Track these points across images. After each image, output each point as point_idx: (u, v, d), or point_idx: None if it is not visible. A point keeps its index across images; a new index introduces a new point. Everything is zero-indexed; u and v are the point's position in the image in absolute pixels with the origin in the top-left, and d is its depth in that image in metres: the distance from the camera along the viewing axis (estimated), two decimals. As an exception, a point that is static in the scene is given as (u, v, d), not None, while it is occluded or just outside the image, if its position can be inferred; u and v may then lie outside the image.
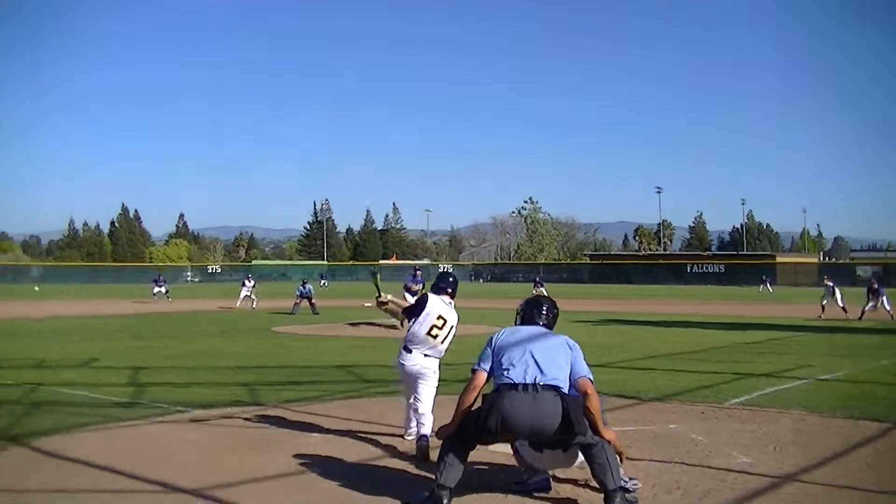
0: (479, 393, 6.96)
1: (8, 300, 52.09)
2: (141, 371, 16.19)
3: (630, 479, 7.12)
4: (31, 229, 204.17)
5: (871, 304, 33.77)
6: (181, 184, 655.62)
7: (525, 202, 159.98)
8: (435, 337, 9.07)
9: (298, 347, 21.75)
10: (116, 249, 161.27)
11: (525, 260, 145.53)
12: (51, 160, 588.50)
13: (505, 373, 6.80)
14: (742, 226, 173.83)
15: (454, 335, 9.32)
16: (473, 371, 7.10)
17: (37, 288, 63.28)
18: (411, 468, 8.22)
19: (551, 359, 6.83)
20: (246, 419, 10.88)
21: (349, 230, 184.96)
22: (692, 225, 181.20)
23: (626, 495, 6.70)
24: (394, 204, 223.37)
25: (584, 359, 7.00)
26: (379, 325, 28.39)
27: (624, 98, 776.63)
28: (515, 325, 7.51)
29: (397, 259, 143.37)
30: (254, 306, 42.77)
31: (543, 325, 7.37)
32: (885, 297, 33.78)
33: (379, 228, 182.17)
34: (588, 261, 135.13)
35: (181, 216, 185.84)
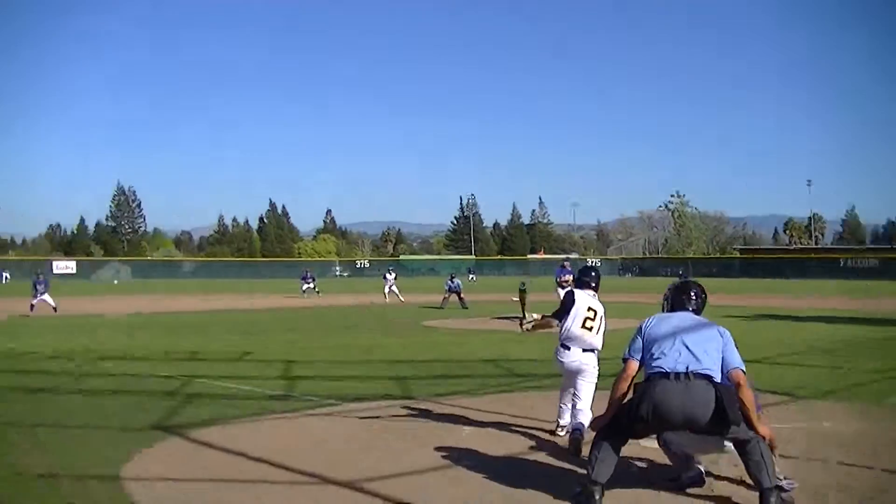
0: (631, 382, 6.84)
1: (163, 294, 53.66)
2: (293, 364, 16.53)
3: (785, 477, 6.83)
4: (184, 225, 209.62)
5: None
6: (329, 180, 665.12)
7: (672, 196, 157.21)
8: (590, 329, 9.04)
9: (448, 342, 21.83)
10: (265, 245, 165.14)
11: (673, 254, 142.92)
12: (201, 159, 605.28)
13: (656, 361, 6.65)
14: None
15: (605, 328, 9.21)
16: (624, 360, 6.98)
17: (116, 282, 64.36)
18: (563, 463, 8.13)
19: (703, 347, 6.64)
20: (396, 413, 10.93)
21: (496, 225, 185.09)
22: (844, 218, 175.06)
23: (782, 494, 6.43)
24: (540, 198, 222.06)
25: (736, 349, 6.77)
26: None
27: (773, 91, 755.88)
28: (663, 311, 7.34)
29: (545, 253, 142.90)
30: (401, 299, 43.13)
31: (692, 310, 7.19)
32: None
33: (526, 223, 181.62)
34: (738, 255, 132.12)
35: (328, 212, 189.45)
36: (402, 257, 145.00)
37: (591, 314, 9.06)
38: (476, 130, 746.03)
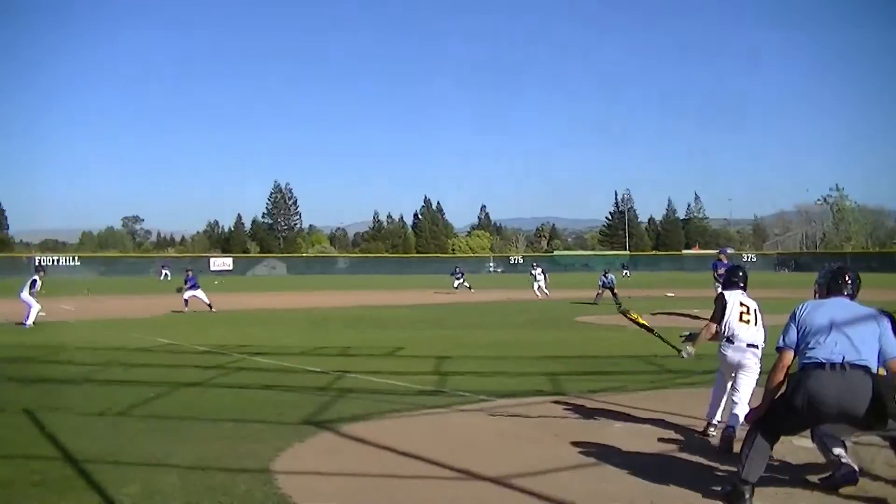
0: (786, 372, 6.60)
1: (316, 290, 54.57)
2: (444, 360, 16.59)
3: None
4: (338, 222, 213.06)
5: None
6: (482, 175, 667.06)
7: (831, 190, 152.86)
8: (748, 322, 8.97)
9: (601, 337, 21.63)
10: (420, 241, 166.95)
11: (831, 249, 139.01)
12: (357, 156, 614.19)
13: (811, 351, 6.40)
14: None
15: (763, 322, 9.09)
16: (779, 350, 6.75)
17: (216, 282, 64.98)
18: (713, 461, 7.95)
19: (860, 335, 6.36)
20: (547, 410, 10.86)
21: (650, 219, 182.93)
22: None
23: None
24: (695, 193, 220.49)
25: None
26: (684, 315, 27.78)
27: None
28: (815, 297, 7.07)
29: (699, 248, 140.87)
30: (546, 293, 43.05)
31: (847, 295, 6.88)
32: None
33: (681, 218, 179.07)
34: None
35: (483, 207, 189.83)
36: (555, 253, 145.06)
37: (744, 308, 9.08)
38: (631, 125, 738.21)
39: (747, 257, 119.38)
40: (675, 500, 6.74)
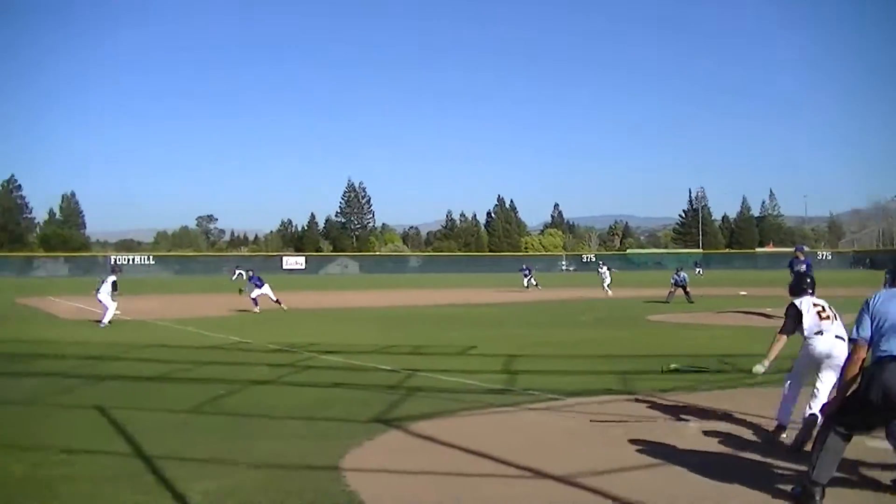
0: (861, 365, 6.47)
1: (388, 289, 54.86)
2: (514, 359, 16.59)
3: None
4: (412, 222, 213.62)
5: None
6: (557, 174, 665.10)
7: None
8: (827, 318, 8.93)
9: (672, 336, 21.49)
10: (492, 240, 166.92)
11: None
12: (431, 156, 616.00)
13: (885, 343, 6.28)
14: None
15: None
16: (853, 341, 6.62)
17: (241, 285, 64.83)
18: (783, 461, 7.88)
19: None
20: (617, 409, 10.82)
21: (724, 217, 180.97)
22: None
23: None
24: (770, 190, 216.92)
25: None
26: (758, 314, 27.49)
27: None
28: (884, 287, 6.96)
29: (773, 246, 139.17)
30: (608, 293, 43.19)
31: None
32: None
33: (756, 216, 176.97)
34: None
35: (556, 206, 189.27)
36: (628, 251, 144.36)
37: (819, 307, 9.08)
38: (705, 122, 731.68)
39: (822, 255, 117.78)
40: (744, 500, 6.69)
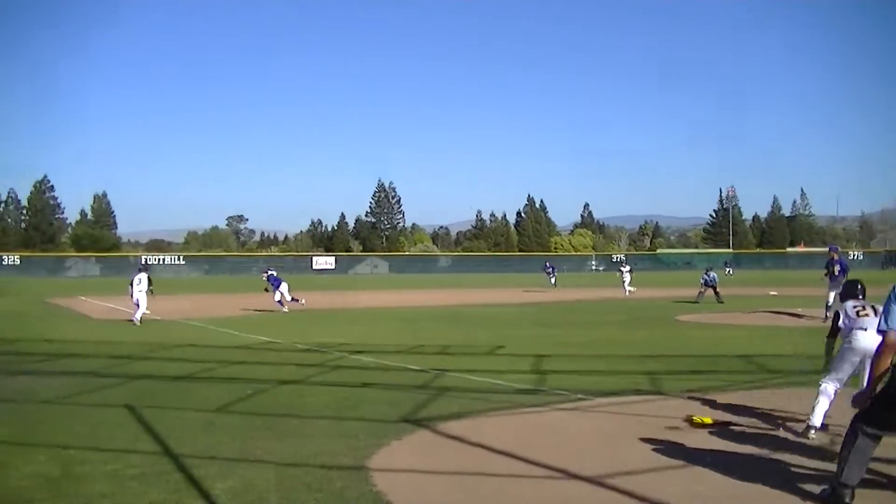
0: (892, 356, 6.36)
1: (418, 289, 54.82)
2: (543, 359, 16.55)
3: None
4: (441, 221, 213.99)
5: None
6: (587, 174, 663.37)
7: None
8: (867, 315, 8.96)
9: (701, 336, 21.34)
10: (522, 239, 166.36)
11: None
12: (460, 155, 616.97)
13: None
14: None
15: None
16: (883, 333, 6.50)
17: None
18: (812, 462, 7.83)
19: None
20: (645, 408, 10.79)
21: (755, 217, 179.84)
22: None
23: None
24: (802, 190, 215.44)
25: None
26: (788, 314, 27.33)
27: None
28: None
29: (805, 246, 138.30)
30: (627, 291, 43.59)
31: None
32: None
33: (787, 215, 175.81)
34: None
35: (586, 206, 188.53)
36: (658, 251, 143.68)
37: (859, 306, 9.20)
38: (736, 121, 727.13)
39: (853, 255, 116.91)
40: (772, 501, 6.65)
